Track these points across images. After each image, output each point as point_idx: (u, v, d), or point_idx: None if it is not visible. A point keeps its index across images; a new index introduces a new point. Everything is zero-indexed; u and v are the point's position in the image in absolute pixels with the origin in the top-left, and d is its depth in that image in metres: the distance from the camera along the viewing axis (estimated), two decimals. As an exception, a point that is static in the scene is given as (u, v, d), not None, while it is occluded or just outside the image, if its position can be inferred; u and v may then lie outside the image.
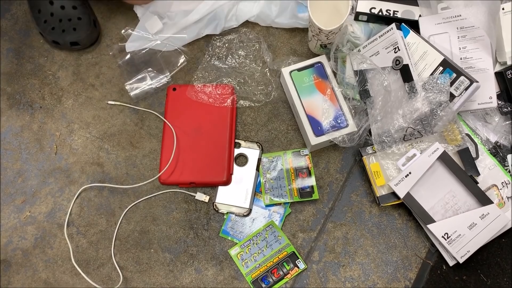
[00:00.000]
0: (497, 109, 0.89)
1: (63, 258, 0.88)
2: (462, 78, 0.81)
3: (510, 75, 0.86)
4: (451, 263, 0.86)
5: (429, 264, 0.88)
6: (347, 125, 0.87)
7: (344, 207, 0.91)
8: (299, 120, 0.91)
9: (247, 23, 0.98)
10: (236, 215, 0.90)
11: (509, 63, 0.87)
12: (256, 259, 0.87)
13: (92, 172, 0.92)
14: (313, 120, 0.88)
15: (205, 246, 0.89)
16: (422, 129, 0.85)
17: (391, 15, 0.91)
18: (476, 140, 0.88)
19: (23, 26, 0.99)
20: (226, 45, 0.97)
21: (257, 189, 0.91)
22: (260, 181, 0.91)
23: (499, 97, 0.88)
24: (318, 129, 0.87)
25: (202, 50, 0.98)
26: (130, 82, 0.94)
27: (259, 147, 0.92)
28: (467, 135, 0.88)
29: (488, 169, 0.87)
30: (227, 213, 0.89)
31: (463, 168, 0.86)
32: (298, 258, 0.87)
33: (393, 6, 0.91)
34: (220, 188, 0.90)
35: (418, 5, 0.91)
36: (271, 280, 0.86)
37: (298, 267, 0.87)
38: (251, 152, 0.92)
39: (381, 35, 0.86)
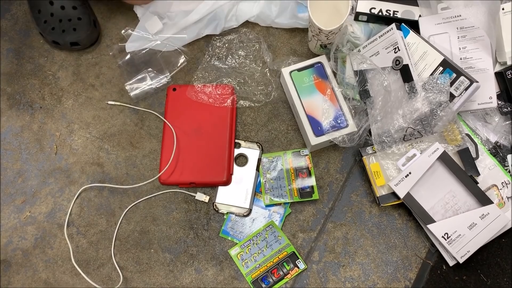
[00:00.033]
0: (497, 109, 0.89)
1: (63, 258, 0.88)
2: (462, 78, 0.81)
3: (510, 75, 0.86)
4: (451, 263, 0.86)
5: (429, 264, 0.88)
6: (347, 125, 0.87)
7: (344, 207, 0.91)
8: (299, 120, 0.91)
9: (247, 23, 0.98)
10: (236, 215, 0.90)
11: (509, 63, 0.87)
12: (256, 259, 0.87)
13: (92, 172, 0.92)
14: (313, 120, 0.88)
15: (205, 246, 0.89)
16: (422, 129, 0.85)
17: (391, 15, 0.91)
18: (476, 140, 0.88)
19: (23, 26, 0.99)
20: (226, 45, 0.97)
21: (257, 189, 0.91)
22: (260, 181, 0.91)
23: (499, 97, 0.88)
24: (318, 129, 0.87)
25: (202, 50, 0.98)
26: (130, 82, 0.94)
27: (259, 147, 0.92)
28: (467, 135, 0.88)
29: (488, 169, 0.87)
30: (227, 213, 0.90)
31: (463, 168, 0.86)
32: (298, 258, 0.87)
33: (393, 6, 0.91)
34: (220, 188, 0.90)
35: (418, 5, 0.91)
36: (271, 280, 0.86)
37: (298, 267, 0.87)
38: (251, 152, 0.92)
39: (381, 35, 0.86)
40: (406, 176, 0.85)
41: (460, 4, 0.86)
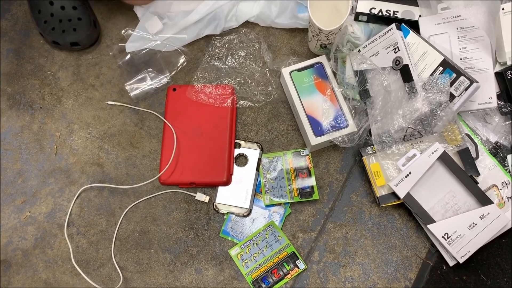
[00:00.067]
0: (497, 109, 0.89)
1: (63, 258, 0.88)
2: (462, 78, 0.81)
3: (510, 75, 0.86)
4: (451, 263, 0.86)
5: (429, 264, 0.88)
6: (347, 125, 0.87)
7: (344, 207, 0.91)
8: (299, 121, 0.91)
9: (247, 24, 0.98)
10: (236, 215, 0.90)
11: (509, 63, 0.87)
12: (256, 259, 0.87)
13: (92, 172, 0.92)
14: (313, 120, 0.88)
15: (205, 247, 0.89)
16: (422, 129, 0.85)
17: (391, 15, 0.91)
18: (476, 140, 0.88)
19: (23, 26, 0.99)
20: (226, 45, 0.97)
21: (257, 189, 0.91)
22: (260, 181, 0.91)
23: (499, 97, 0.88)
24: (318, 129, 0.87)
25: (202, 50, 0.98)
26: (130, 82, 0.94)
27: (259, 147, 0.92)
28: (467, 135, 0.88)
29: (488, 169, 0.87)
30: (227, 213, 0.89)
31: (463, 168, 0.86)
32: (298, 258, 0.87)
33: (393, 7, 0.91)
34: (220, 189, 0.90)
35: (418, 5, 0.91)
36: (271, 280, 0.86)
37: (298, 267, 0.87)
38: (251, 152, 0.92)
39: (381, 36, 0.86)
40: (406, 176, 0.85)
41: (460, 4, 0.86)
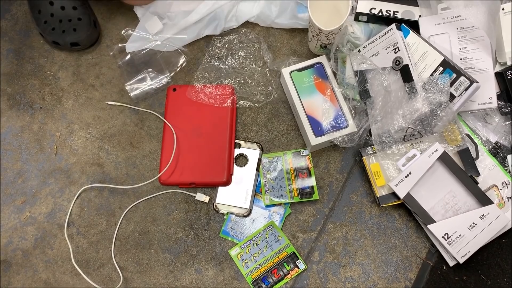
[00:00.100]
0: (497, 109, 0.89)
1: (63, 258, 0.88)
2: (462, 78, 0.81)
3: (510, 75, 0.86)
4: (451, 263, 0.86)
5: (429, 264, 0.88)
6: (347, 126, 0.87)
7: (344, 207, 0.91)
8: (299, 121, 0.91)
9: (247, 24, 0.98)
10: (236, 215, 0.90)
11: (509, 63, 0.87)
12: (256, 260, 0.87)
13: (92, 172, 0.92)
14: (313, 120, 0.88)
15: (205, 247, 0.89)
16: (422, 129, 0.85)
17: (391, 15, 0.91)
18: (476, 140, 0.88)
19: (23, 26, 0.99)
20: (226, 45, 0.97)
21: (257, 190, 0.91)
22: (260, 181, 0.91)
23: (499, 97, 0.88)
24: (318, 130, 0.87)
25: (202, 50, 0.98)
26: (130, 82, 0.94)
27: (259, 148, 0.92)
28: (467, 135, 0.88)
29: (488, 170, 0.87)
30: (227, 213, 0.89)
31: (463, 168, 0.86)
32: (298, 259, 0.87)
33: (393, 7, 0.91)
34: (220, 189, 0.90)
35: (418, 6, 0.91)
36: (271, 280, 0.86)
37: (298, 268, 0.87)
38: (251, 152, 0.92)
39: (381, 36, 0.86)
40: (406, 176, 0.85)
41: (460, 4, 0.86)
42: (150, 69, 0.95)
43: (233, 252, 0.88)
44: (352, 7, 0.91)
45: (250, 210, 0.89)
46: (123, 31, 0.97)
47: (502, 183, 0.87)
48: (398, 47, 0.84)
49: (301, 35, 0.99)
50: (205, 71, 0.96)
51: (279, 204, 0.90)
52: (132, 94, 0.94)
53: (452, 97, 0.82)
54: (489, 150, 0.89)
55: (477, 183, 0.85)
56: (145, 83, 0.94)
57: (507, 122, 0.89)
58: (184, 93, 0.93)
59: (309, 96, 0.89)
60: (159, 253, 0.89)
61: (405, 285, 0.87)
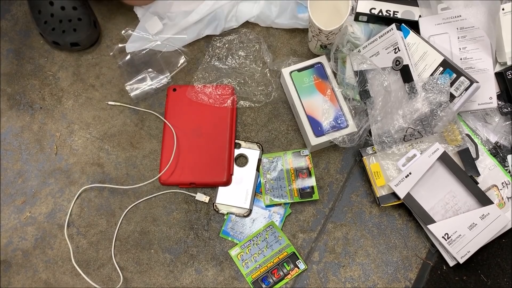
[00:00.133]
0: (497, 109, 0.89)
1: (63, 258, 0.88)
2: (462, 78, 0.81)
3: (510, 75, 0.86)
4: (451, 263, 0.86)
5: (429, 264, 0.88)
6: (347, 126, 0.87)
7: (344, 207, 0.91)
8: (299, 121, 0.91)
9: (247, 24, 0.98)
10: (236, 215, 0.90)
11: (509, 63, 0.87)
12: (256, 260, 0.87)
13: (92, 172, 0.92)
14: (313, 120, 0.88)
15: (205, 247, 0.89)
16: (422, 129, 0.85)
17: (391, 15, 0.91)
18: (476, 140, 0.88)
19: (23, 27, 0.99)
20: (226, 45, 0.97)
21: (257, 190, 0.91)
22: (260, 181, 0.91)
23: (499, 97, 0.88)
24: (318, 130, 0.87)
25: (202, 50, 0.98)
26: (130, 82, 0.94)
27: (259, 148, 0.92)
28: (467, 135, 0.88)
29: (488, 170, 0.87)
30: (227, 213, 0.89)
31: (463, 168, 0.86)
32: (298, 259, 0.87)
33: (393, 7, 0.91)
34: (220, 189, 0.90)
35: (418, 6, 0.91)
36: (271, 280, 0.86)
37: (298, 268, 0.87)
38: (251, 152, 0.92)
39: (381, 36, 0.86)
40: (406, 177, 0.85)
41: (460, 4, 0.86)
42: (150, 69, 0.95)
43: (233, 252, 0.88)
44: (352, 7, 0.91)
45: (250, 210, 0.89)
46: (123, 31, 0.97)
47: (502, 183, 0.87)
48: (398, 47, 0.84)
49: (301, 35, 0.99)
50: (205, 71, 0.96)
51: (279, 204, 0.90)
52: (132, 94, 0.94)
53: (452, 97, 0.82)
54: (489, 150, 0.89)
55: (477, 183, 0.85)
56: (145, 83, 0.94)
57: (507, 122, 0.89)
58: (184, 93, 0.93)
59: (309, 96, 0.89)
60: (159, 253, 0.89)
61: (405, 285, 0.87)
